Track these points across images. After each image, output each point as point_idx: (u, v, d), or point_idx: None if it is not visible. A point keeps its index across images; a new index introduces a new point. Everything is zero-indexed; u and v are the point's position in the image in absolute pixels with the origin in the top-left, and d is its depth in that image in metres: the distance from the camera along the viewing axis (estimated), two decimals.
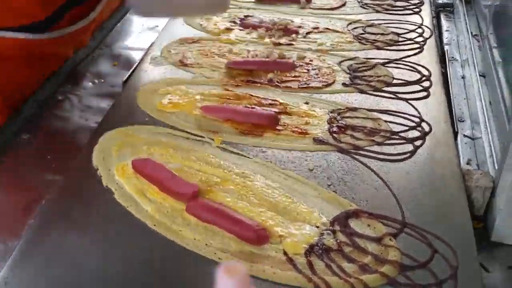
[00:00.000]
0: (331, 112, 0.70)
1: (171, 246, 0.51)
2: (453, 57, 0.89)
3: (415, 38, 0.89)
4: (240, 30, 0.94)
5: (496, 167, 0.62)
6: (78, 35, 0.90)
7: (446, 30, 0.99)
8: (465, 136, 0.70)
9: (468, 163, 0.65)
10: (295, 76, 0.79)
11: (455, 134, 0.68)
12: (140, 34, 1.08)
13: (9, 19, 0.76)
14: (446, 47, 0.92)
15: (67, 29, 0.86)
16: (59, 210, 0.56)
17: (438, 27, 1.01)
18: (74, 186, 0.59)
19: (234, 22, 0.97)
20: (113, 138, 0.66)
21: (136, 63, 0.86)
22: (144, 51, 0.92)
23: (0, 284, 0.48)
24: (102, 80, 0.91)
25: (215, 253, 0.50)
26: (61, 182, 0.61)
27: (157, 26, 1.10)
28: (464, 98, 0.79)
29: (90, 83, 0.90)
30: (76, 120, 0.79)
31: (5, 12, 0.75)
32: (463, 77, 0.84)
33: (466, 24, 0.97)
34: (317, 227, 0.53)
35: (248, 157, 0.63)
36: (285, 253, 0.50)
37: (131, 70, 0.84)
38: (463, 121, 0.73)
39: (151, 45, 0.93)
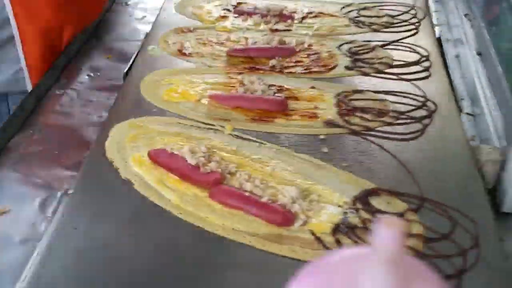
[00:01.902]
0: (337, 95, 0.71)
1: (199, 233, 0.52)
2: (446, 38, 0.91)
3: (409, 19, 0.90)
4: (235, 17, 0.94)
5: (501, 142, 0.64)
6: None
7: (435, 11, 1.01)
8: (467, 114, 0.72)
9: (472, 140, 0.68)
10: (297, 61, 0.80)
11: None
12: (129, 25, 1.07)
13: None
14: (436, 28, 0.94)
15: None
16: (80, 204, 0.56)
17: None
18: (93, 179, 0.59)
19: (228, 10, 0.97)
20: (124, 130, 0.66)
21: (135, 54, 0.85)
22: (137, 42, 0.91)
23: (33, 279, 0.47)
24: (98, 74, 0.90)
25: (244, 237, 0.51)
26: (78, 177, 0.60)
27: (145, 16, 1.09)
28: (460, 77, 0.82)
29: (86, 77, 0.89)
30: (77, 114, 0.79)
31: None
32: (457, 56, 0.86)
33: (455, 4, 1.00)
34: (340, 206, 0.54)
35: (262, 143, 0.64)
36: (312, 233, 0.51)
37: (130, 62, 0.84)
38: (463, 99, 0.76)
39: (146, 36, 0.92)
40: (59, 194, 0.62)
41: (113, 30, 1.05)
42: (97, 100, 0.82)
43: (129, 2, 1.15)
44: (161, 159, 0.59)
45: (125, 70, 0.82)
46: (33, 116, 0.78)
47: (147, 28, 0.97)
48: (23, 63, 0.89)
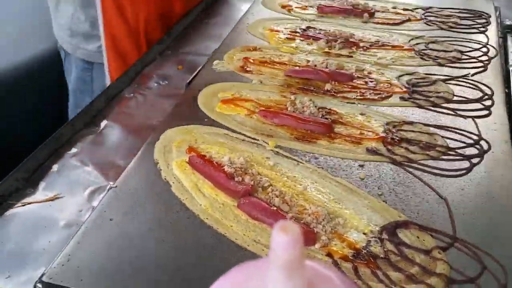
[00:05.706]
0: (386, 124, 0.70)
1: (221, 239, 0.53)
2: None
3: (479, 56, 0.87)
4: (301, 40, 0.96)
5: None
6: None
7: None
8: None
9: None
10: (352, 87, 0.80)
11: None
12: (205, 40, 1.13)
13: None
14: (511, 68, 0.90)
15: None
16: (121, 197, 0.59)
17: (504, 48, 0.99)
18: (136, 177, 0.63)
19: (296, 33, 0.99)
20: (174, 135, 0.70)
21: (200, 67, 0.90)
22: (208, 56, 0.96)
23: (64, 260, 0.51)
24: (167, 82, 0.96)
25: (263, 250, 0.51)
26: (124, 172, 0.64)
27: (221, 34, 1.15)
28: None
29: (156, 84, 0.95)
30: (140, 117, 0.84)
31: None
32: None
33: None
34: (365, 234, 0.53)
35: (301, 162, 0.64)
36: (330, 256, 0.51)
37: (194, 74, 0.88)
38: None
39: (214, 51, 0.97)
40: (108, 186, 0.67)
41: (189, 45, 1.11)
42: (160, 106, 0.88)
43: (209, 21, 1.22)
44: (199, 165, 0.62)
45: (188, 81, 0.87)
46: (102, 114, 0.85)
47: None
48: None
